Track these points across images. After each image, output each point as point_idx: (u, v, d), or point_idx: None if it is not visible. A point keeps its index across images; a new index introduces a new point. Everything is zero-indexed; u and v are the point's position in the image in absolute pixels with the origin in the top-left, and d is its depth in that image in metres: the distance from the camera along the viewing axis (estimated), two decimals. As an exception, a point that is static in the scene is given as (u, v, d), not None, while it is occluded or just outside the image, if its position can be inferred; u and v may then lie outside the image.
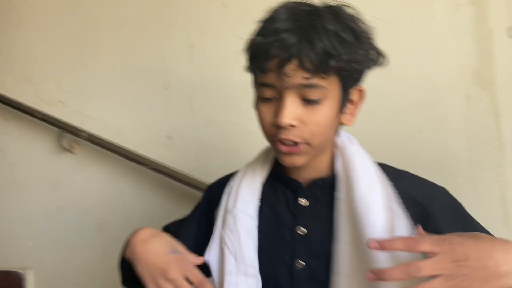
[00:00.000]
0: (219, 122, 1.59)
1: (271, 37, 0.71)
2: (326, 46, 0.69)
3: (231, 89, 1.40)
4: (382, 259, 0.71)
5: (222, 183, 0.94)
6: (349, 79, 0.76)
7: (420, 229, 0.71)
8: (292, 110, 0.72)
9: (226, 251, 0.82)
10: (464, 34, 1.28)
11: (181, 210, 1.62)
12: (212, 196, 0.95)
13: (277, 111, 0.74)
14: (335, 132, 0.81)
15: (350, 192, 0.77)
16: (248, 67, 0.79)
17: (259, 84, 0.77)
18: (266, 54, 0.72)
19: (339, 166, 0.82)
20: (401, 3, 1.34)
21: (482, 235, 0.65)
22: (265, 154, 0.92)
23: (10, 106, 1.86)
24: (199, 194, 1.54)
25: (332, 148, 0.84)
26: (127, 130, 1.71)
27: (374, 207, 0.75)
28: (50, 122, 1.78)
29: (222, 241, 0.84)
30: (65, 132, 1.77)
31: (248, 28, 1.49)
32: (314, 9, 0.74)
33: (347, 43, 0.71)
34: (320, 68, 0.70)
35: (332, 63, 0.70)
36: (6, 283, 1.86)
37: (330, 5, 0.75)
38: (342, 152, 0.82)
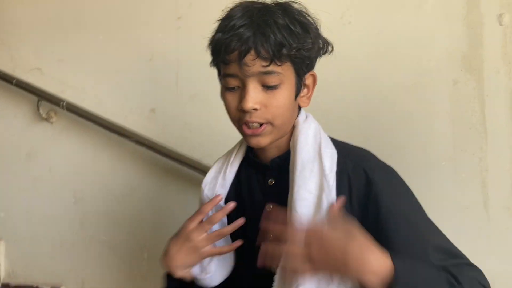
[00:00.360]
0: (204, 96, 1.57)
1: (230, 32, 0.81)
2: (278, 37, 0.80)
3: None
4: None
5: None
6: (302, 65, 0.85)
7: (339, 203, 0.81)
8: (254, 95, 0.82)
9: None
10: (455, 18, 1.29)
11: (163, 184, 1.62)
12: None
13: (241, 98, 0.83)
14: (294, 113, 0.90)
15: (292, 168, 0.86)
16: (212, 62, 0.90)
17: (223, 75, 0.86)
18: (227, 48, 0.81)
19: (291, 145, 0.90)
20: (395, -15, 1.34)
21: (357, 237, 0.74)
22: (239, 143, 1.01)
23: (-16, 71, 1.78)
24: (181, 168, 1.54)
25: (291, 128, 0.92)
26: (109, 101, 1.67)
27: (305, 182, 0.84)
28: (27, 90, 1.73)
29: None
30: (43, 100, 1.72)
31: (235, 1, 1.48)
32: (264, 6, 0.84)
33: (296, 34, 0.81)
34: (275, 56, 0.80)
35: (284, 51, 0.80)
36: (-23, 254, 1.81)
37: (279, 2, 0.86)
38: (294, 131, 0.91)
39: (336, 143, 0.91)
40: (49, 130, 1.76)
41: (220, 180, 0.97)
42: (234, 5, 0.86)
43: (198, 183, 1.51)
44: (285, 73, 0.83)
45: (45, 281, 1.74)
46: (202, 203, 0.98)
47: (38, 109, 1.73)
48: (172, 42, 1.60)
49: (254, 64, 0.80)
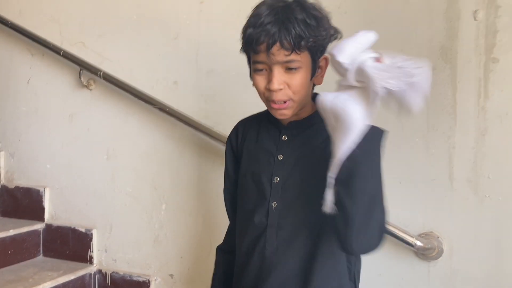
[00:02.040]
0: (219, 72, 1.79)
1: (259, 28, 0.99)
2: (297, 31, 0.98)
3: (233, 44, 1.56)
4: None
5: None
6: (317, 52, 1.04)
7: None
8: (279, 78, 1.01)
9: None
10: (436, 13, 1.44)
11: (181, 146, 1.88)
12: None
13: (269, 80, 1.02)
14: (310, 90, 1.10)
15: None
16: (243, 49, 1.07)
17: (253, 62, 1.04)
18: (257, 41, 0.99)
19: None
20: (386, -20, 1.51)
21: None
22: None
23: (37, 42, 2.09)
24: (198, 134, 1.79)
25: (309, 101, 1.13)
26: (139, 73, 1.93)
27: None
28: (71, 60, 2.01)
29: None
30: (84, 70, 2.00)
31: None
32: (286, 4, 1.01)
33: (312, 27, 0.99)
34: (295, 47, 0.98)
35: (303, 43, 0.98)
36: (27, 197, 2.15)
37: (298, 0, 1.03)
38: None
39: None
40: (88, 96, 2.05)
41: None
42: (261, 2, 1.03)
43: (211, 146, 1.77)
44: (303, 59, 1.01)
45: (81, 224, 2.05)
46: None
47: (80, 77, 2.02)
48: (194, 24, 1.83)
49: (279, 54, 0.99)
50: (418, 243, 1.44)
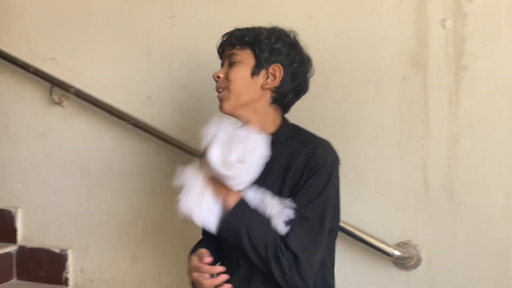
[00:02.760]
0: (193, 85, 1.78)
1: (218, 47, 1.24)
2: (244, 32, 1.16)
3: (206, 57, 1.57)
4: None
5: None
6: (261, 52, 1.14)
7: None
8: (222, 70, 1.18)
9: None
10: (405, 22, 1.46)
11: (156, 162, 1.85)
12: None
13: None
14: (251, 89, 1.15)
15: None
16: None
17: None
18: (221, 45, 1.22)
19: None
20: (355, -9, 1.51)
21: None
22: None
23: (5, 60, 2.03)
24: (172, 148, 1.76)
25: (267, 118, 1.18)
26: (112, 89, 1.90)
27: None
28: (42, 77, 1.97)
29: None
30: (56, 87, 1.96)
31: (223, 2, 1.67)
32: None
33: (260, 31, 1.17)
34: (236, 43, 1.15)
35: (246, 38, 1.14)
36: (1, 219, 2.07)
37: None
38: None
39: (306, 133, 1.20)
40: (60, 113, 2.00)
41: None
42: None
43: (186, 161, 1.73)
44: (243, 55, 1.14)
45: (55, 244, 1.99)
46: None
47: (51, 94, 1.97)
48: (166, 37, 1.81)
49: (226, 50, 1.18)
50: (396, 253, 1.43)
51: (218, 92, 1.17)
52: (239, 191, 1.09)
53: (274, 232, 1.04)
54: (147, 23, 1.84)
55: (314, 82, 1.55)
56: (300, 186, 1.08)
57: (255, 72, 1.14)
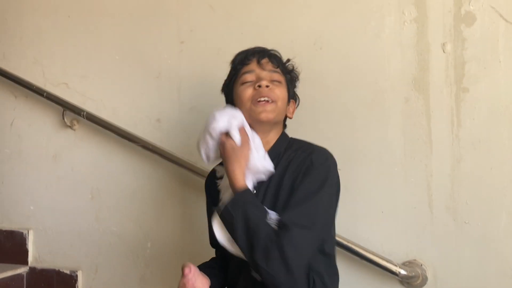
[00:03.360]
0: (201, 109, 1.82)
1: (247, 52, 1.24)
2: (277, 54, 1.27)
3: (213, 81, 1.61)
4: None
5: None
6: (290, 83, 1.27)
7: None
8: (268, 78, 1.19)
9: None
10: (407, 46, 1.51)
11: (165, 183, 1.88)
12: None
13: (256, 82, 1.17)
14: (285, 112, 1.24)
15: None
16: (233, 68, 1.26)
17: (242, 73, 1.20)
18: (247, 57, 1.22)
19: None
20: (358, 17, 1.57)
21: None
22: None
23: (20, 85, 2.11)
24: (181, 170, 1.80)
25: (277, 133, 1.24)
26: (122, 112, 1.95)
27: None
28: (55, 101, 2.03)
29: None
30: (67, 111, 2.01)
31: (230, 29, 1.73)
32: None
33: (294, 75, 1.31)
34: (279, 65, 1.23)
35: (281, 66, 1.24)
36: (10, 241, 2.12)
37: None
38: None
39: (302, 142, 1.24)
40: (72, 136, 2.06)
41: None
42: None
43: (194, 182, 1.78)
44: (282, 80, 1.22)
45: (65, 266, 2.02)
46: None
47: (63, 118, 2.03)
48: (175, 63, 1.87)
49: (267, 65, 1.20)
50: (402, 272, 1.45)
51: (264, 101, 1.16)
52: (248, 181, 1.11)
53: (269, 225, 1.03)
54: (157, 48, 1.91)
55: (319, 104, 1.61)
56: (295, 187, 1.09)
57: (289, 97, 1.25)
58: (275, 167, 1.15)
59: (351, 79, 1.58)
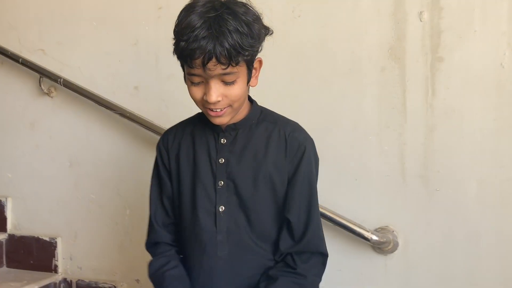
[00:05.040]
0: (180, 77, 1.80)
1: (194, 44, 0.95)
2: (233, 44, 0.96)
3: None
4: None
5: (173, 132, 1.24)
6: (252, 60, 1.06)
7: None
8: (216, 91, 1.01)
9: None
10: (384, 15, 1.50)
11: (143, 151, 1.88)
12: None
13: (206, 92, 1.01)
14: (246, 94, 1.12)
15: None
16: (178, 59, 1.05)
17: (188, 74, 1.03)
18: (192, 56, 0.97)
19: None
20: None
21: None
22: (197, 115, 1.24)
23: (-5, 51, 2.05)
24: (158, 138, 1.78)
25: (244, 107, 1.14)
26: (100, 79, 1.93)
27: None
28: (31, 67, 1.99)
29: None
30: (44, 78, 1.98)
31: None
32: (217, 14, 0.97)
33: (245, 35, 0.98)
34: (232, 61, 0.98)
35: (239, 56, 0.98)
36: (-12, 208, 2.10)
37: (227, 4, 1.00)
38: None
39: (276, 115, 1.18)
40: (49, 103, 2.03)
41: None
42: (189, 8, 1.00)
43: (172, 151, 1.77)
44: (239, 70, 1.01)
45: (45, 233, 2.03)
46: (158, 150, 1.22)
47: (40, 85, 2.00)
48: (153, 29, 1.84)
49: (216, 68, 0.97)
50: (374, 237, 1.49)
51: (214, 110, 1.04)
52: None
53: None
54: (134, 15, 1.87)
55: (296, 71, 1.61)
56: (289, 176, 1.11)
57: (249, 79, 1.08)
58: (247, 135, 1.13)
59: (329, 47, 1.58)
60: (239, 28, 0.97)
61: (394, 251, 1.51)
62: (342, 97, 1.55)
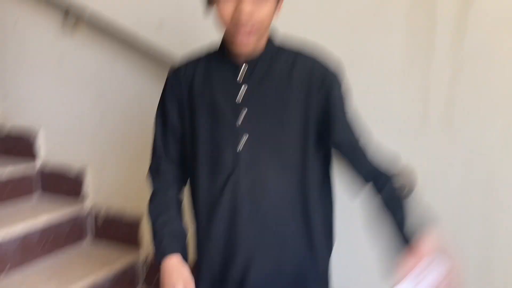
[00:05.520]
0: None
1: None
2: None
3: None
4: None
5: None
6: None
7: None
8: (249, 6, 0.97)
9: None
10: None
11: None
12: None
13: (238, 7, 0.98)
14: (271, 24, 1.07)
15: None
16: None
17: None
18: None
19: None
20: None
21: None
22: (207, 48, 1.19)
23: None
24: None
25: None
26: (124, 16, 1.93)
27: None
28: (56, 4, 2.00)
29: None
30: (69, 14, 1.99)
31: None
32: None
33: None
34: None
35: None
36: (22, 137, 2.21)
37: None
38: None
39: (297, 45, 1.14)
40: (75, 39, 2.05)
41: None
42: None
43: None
44: None
45: (75, 162, 2.13)
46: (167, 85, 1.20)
47: (65, 21, 2.02)
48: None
49: None
50: (391, 177, 1.49)
51: (240, 33, 1.01)
52: None
53: None
54: None
55: (324, 15, 1.57)
56: (322, 104, 1.08)
57: (276, 5, 1.04)
58: (268, 65, 1.09)
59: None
60: None
61: (411, 192, 1.52)
62: (370, 32, 1.51)
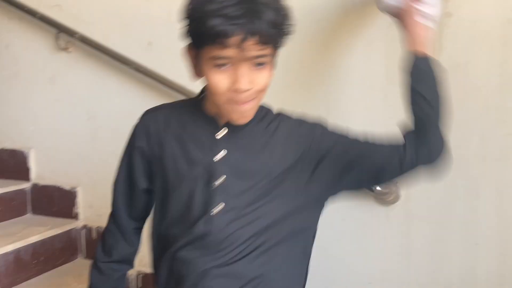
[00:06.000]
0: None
1: (229, 21, 0.80)
2: (271, 19, 0.83)
3: None
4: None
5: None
6: (281, 43, 0.92)
7: None
8: (248, 77, 0.87)
9: None
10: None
11: (156, 105, 1.93)
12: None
13: (235, 78, 0.86)
14: None
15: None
16: (197, 42, 0.89)
17: (213, 57, 0.85)
18: (225, 35, 0.81)
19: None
20: None
21: None
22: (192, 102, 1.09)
23: (14, 6, 2.11)
24: (170, 92, 1.85)
25: None
26: (114, 35, 1.98)
27: None
28: (48, 23, 2.05)
29: None
30: (61, 33, 2.04)
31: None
32: None
33: (282, 12, 0.88)
34: (271, 40, 0.86)
35: (278, 34, 0.87)
36: (13, 159, 2.23)
37: None
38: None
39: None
40: (66, 58, 2.10)
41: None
42: None
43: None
44: (270, 52, 0.89)
45: (66, 182, 2.15)
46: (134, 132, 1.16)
47: (57, 40, 2.06)
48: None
49: (252, 49, 0.83)
50: (378, 188, 1.54)
51: (239, 104, 0.91)
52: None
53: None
54: (147, -30, 1.89)
55: (305, 27, 1.64)
56: (322, 153, 1.03)
57: (275, 65, 0.95)
58: (248, 129, 1.00)
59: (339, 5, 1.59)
60: (273, 3, 0.86)
61: (395, 202, 1.57)
62: (351, 53, 1.58)
